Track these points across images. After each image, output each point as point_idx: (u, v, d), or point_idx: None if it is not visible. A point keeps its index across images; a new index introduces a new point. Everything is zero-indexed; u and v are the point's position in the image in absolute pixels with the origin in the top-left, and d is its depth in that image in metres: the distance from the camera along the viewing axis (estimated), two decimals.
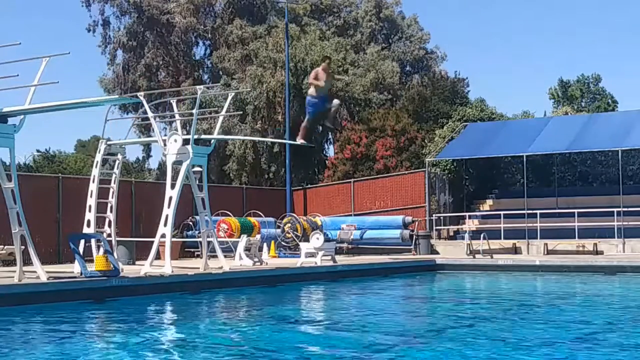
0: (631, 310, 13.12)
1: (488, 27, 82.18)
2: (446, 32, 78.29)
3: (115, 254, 15.83)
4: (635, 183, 28.12)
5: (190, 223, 24.41)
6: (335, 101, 16.93)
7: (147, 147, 39.18)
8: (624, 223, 23.93)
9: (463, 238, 24.71)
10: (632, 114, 27.96)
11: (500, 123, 30.12)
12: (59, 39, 75.04)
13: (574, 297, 15.88)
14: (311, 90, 16.58)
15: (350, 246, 25.74)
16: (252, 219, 24.58)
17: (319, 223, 25.51)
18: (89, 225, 17.09)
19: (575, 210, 24.44)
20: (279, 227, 25.42)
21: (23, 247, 13.43)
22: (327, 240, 21.79)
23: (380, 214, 27.45)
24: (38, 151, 49.94)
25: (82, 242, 15.74)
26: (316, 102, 16.50)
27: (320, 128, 34.67)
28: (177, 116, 18.34)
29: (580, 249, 24.16)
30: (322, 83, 16.38)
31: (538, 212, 24.85)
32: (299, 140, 17.45)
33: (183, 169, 16.02)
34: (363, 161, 30.25)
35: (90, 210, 17.14)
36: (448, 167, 28.07)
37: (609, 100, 52.04)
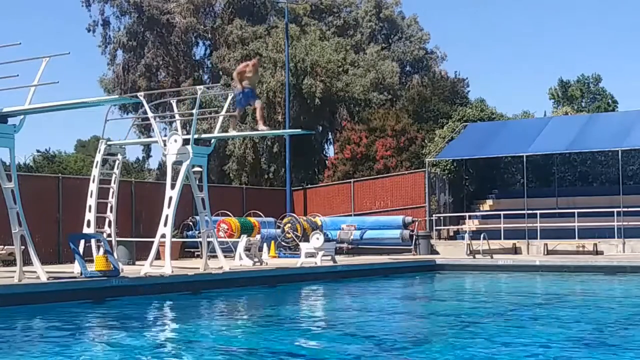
0: (631, 310, 13.12)
1: (488, 27, 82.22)
2: (446, 32, 78.32)
3: (115, 254, 15.84)
4: (635, 183, 28.12)
5: (190, 223, 24.41)
6: (258, 102, 16.99)
7: (147, 147, 39.12)
8: (624, 223, 23.92)
9: (463, 238, 24.69)
10: (632, 114, 27.96)
11: (500, 123, 30.11)
12: (59, 39, 75.06)
13: (574, 297, 15.87)
14: (245, 83, 16.56)
15: (350, 246, 25.73)
16: (252, 219, 24.57)
17: (319, 223, 25.50)
18: (89, 225, 17.08)
19: (575, 211, 24.43)
20: (279, 227, 25.41)
21: (23, 247, 13.43)
22: (327, 240, 21.78)
23: (380, 214, 27.45)
24: (38, 151, 49.93)
25: (82, 242, 15.75)
26: (249, 91, 16.59)
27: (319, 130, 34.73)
28: (177, 116, 18.35)
29: (580, 249, 24.15)
30: (250, 72, 16.60)
31: (538, 212, 24.84)
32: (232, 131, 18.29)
33: (183, 169, 16.02)
34: (363, 161, 30.25)
35: (90, 210, 17.14)
36: (448, 167, 28.06)
37: (609, 100, 52.03)
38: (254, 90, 16.85)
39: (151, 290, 14.47)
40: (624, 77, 75.92)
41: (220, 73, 35.04)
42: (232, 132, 18.61)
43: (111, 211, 17.56)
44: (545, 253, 24.28)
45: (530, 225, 24.85)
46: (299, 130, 17.47)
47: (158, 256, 16.39)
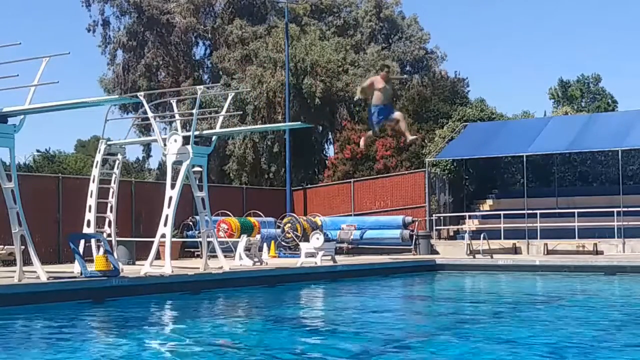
0: (631, 310, 13.13)
1: (488, 27, 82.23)
2: (446, 32, 78.35)
3: (115, 254, 15.83)
4: (635, 183, 28.11)
5: (190, 223, 24.41)
6: (398, 113, 16.60)
7: (147, 147, 39.12)
8: (624, 223, 23.92)
9: (463, 238, 24.70)
10: (632, 114, 27.95)
11: (500, 123, 30.11)
12: (59, 39, 75.07)
13: (574, 297, 15.87)
14: (375, 100, 15.96)
15: (350, 246, 25.74)
16: (252, 219, 24.57)
17: (319, 223, 25.51)
18: (89, 225, 17.08)
19: (575, 210, 24.44)
20: (279, 227, 25.41)
21: (23, 247, 13.42)
22: (327, 240, 21.78)
23: (380, 214, 27.45)
24: (38, 151, 49.96)
25: (82, 242, 15.74)
26: (383, 107, 15.98)
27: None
28: (177, 116, 18.34)
29: (580, 249, 24.15)
30: (381, 85, 15.83)
31: (538, 212, 24.85)
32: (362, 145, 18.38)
33: (183, 169, 16.02)
34: (363, 161, 30.25)
35: (90, 210, 17.13)
36: (448, 167, 28.06)
37: (609, 100, 52.05)
38: (389, 105, 16.27)
39: (151, 290, 14.47)
40: (624, 77, 76.02)
41: (220, 73, 35.04)
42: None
43: (111, 211, 17.56)
44: (545, 253, 24.28)
45: (530, 225, 24.85)
46: (299, 123, 17.40)
47: (158, 256, 16.39)
